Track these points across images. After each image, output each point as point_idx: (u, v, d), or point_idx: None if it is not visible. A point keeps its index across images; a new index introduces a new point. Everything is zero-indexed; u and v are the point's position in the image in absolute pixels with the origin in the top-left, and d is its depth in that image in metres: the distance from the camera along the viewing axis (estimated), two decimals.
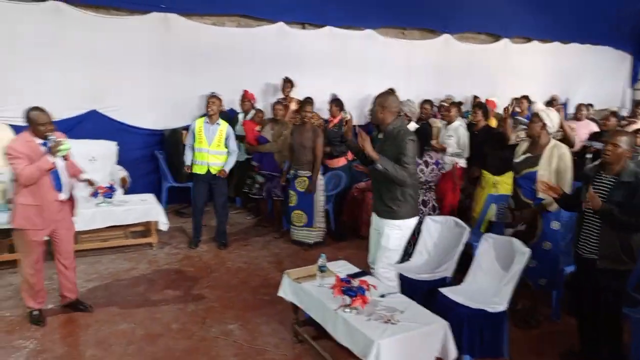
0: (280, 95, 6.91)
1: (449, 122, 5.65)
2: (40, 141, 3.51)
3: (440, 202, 4.82)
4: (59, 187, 3.64)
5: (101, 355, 3.36)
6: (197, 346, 3.51)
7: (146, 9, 6.45)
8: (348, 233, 5.86)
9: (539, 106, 6.80)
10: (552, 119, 3.82)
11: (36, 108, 3.52)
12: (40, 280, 3.73)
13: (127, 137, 6.45)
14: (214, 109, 5.12)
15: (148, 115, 6.61)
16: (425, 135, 4.71)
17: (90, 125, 6.14)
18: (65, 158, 3.62)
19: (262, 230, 6.01)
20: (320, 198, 5.36)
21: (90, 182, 4.04)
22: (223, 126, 5.20)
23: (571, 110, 9.51)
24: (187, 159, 5.30)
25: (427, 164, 4.46)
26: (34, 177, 3.43)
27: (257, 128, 6.09)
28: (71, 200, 3.83)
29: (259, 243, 5.63)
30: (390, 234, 3.47)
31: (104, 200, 5.06)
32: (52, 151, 3.43)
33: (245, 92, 6.57)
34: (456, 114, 5.67)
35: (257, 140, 5.96)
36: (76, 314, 3.89)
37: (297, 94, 6.91)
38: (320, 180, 5.35)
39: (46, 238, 3.73)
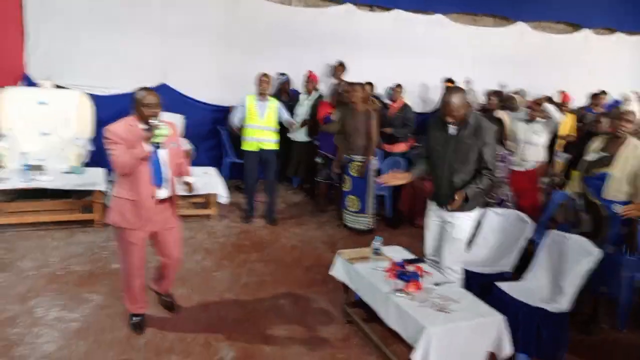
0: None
1: (532, 119, 5.09)
2: (144, 126, 3.04)
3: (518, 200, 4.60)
4: (158, 182, 3.11)
5: (159, 316, 3.53)
6: (248, 317, 3.60)
7: None
8: (403, 221, 5.79)
9: (636, 106, 6.38)
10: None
11: (144, 88, 3.11)
12: (140, 286, 3.29)
13: (194, 111, 6.64)
14: (267, 89, 5.27)
15: (214, 91, 6.78)
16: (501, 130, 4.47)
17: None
18: (158, 146, 3.06)
19: (317, 212, 6.04)
20: (373, 184, 5.29)
21: (190, 187, 3.37)
22: (272, 102, 5.32)
23: None
24: (236, 119, 5.39)
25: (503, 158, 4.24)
26: (127, 165, 2.98)
27: (331, 110, 6.06)
28: (173, 199, 3.28)
29: (315, 223, 5.68)
30: (462, 225, 3.34)
31: None
32: (147, 137, 2.98)
33: (310, 73, 6.58)
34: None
35: (324, 120, 5.95)
36: None
37: (359, 77, 6.83)
38: (374, 166, 5.26)
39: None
